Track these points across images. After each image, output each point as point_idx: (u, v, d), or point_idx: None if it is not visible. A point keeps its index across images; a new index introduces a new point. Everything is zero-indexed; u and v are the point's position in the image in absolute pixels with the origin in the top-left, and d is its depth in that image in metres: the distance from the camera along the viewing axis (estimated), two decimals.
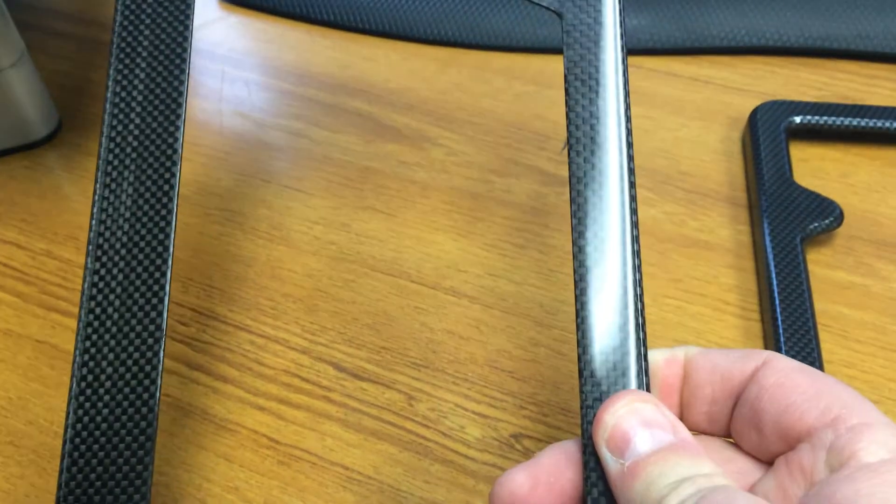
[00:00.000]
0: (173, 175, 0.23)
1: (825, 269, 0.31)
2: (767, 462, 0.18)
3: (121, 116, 0.23)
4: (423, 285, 0.32)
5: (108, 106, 0.23)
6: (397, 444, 0.27)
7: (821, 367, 0.27)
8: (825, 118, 0.35)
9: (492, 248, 0.33)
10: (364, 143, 0.38)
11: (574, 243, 0.21)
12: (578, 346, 0.20)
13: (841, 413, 0.17)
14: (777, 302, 0.29)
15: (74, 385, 0.22)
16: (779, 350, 0.28)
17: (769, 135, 0.35)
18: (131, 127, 0.23)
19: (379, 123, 0.39)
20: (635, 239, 0.21)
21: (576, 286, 0.21)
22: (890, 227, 0.32)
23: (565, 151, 0.36)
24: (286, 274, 0.33)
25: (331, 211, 0.35)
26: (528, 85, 0.40)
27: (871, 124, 0.35)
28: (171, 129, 0.23)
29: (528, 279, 0.32)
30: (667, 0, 0.42)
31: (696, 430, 0.19)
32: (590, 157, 0.21)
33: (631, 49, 0.41)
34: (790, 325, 0.29)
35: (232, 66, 0.43)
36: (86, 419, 0.21)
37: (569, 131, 0.22)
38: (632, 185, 0.21)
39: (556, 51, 0.41)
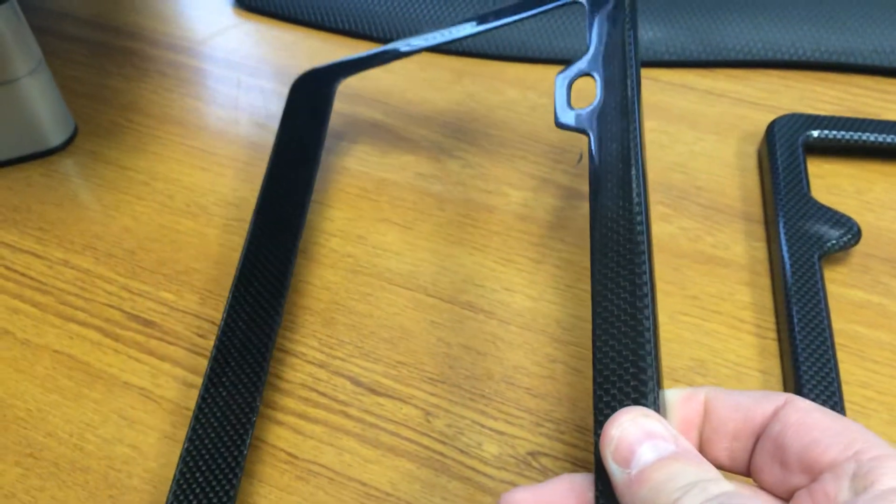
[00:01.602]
0: None
1: (841, 287, 0.31)
2: (786, 498, 0.19)
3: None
4: (440, 299, 0.32)
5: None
6: (415, 460, 0.27)
7: (839, 387, 0.27)
8: (843, 133, 0.35)
9: (508, 262, 0.33)
10: (380, 153, 0.38)
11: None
12: (593, 368, 0.21)
13: (862, 447, 0.18)
14: (795, 321, 0.29)
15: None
16: (796, 369, 0.28)
17: (786, 149, 0.35)
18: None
19: (395, 134, 0.39)
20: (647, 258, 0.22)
21: (592, 311, 0.21)
22: None
23: (581, 164, 0.36)
24: (303, 286, 0.33)
25: (347, 223, 0.35)
26: (543, 97, 0.40)
27: (889, 140, 0.35)
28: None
29: (545, 295, 0.32)
30: (683, 13, 0.42)
31: (716, 465, 0.19)
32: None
33: (646, 62, 0.41)
34: (808, 345, 0.29)
35: (247, 74, 0.43)
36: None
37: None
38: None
39: (564, 61, 0.41)
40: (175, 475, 0.26)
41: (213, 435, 0.27)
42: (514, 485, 0.27)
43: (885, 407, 0.28)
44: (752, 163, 0.37)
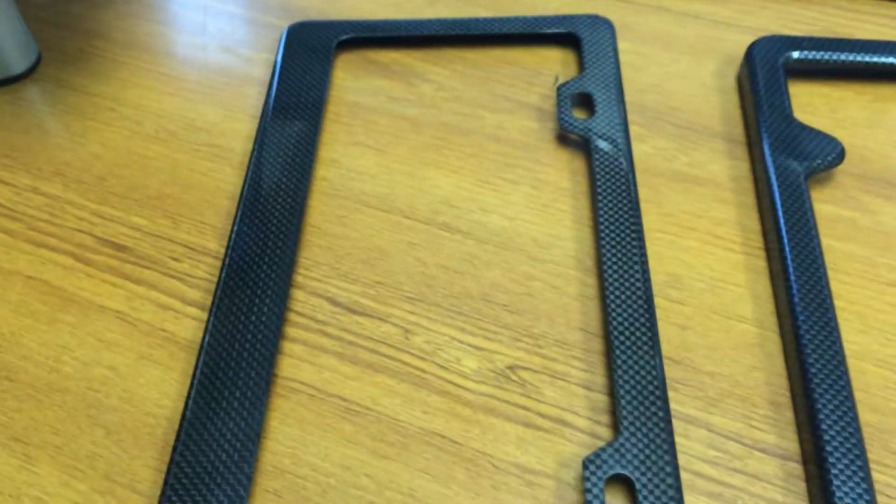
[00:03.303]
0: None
1: (815, 203, 0.32)
2: None
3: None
4: (417, 221, 0.32)
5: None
6: (394, 376, 0.28)
7: (830, 301, 0.27)
8: (823, 54, 0.35)
9: (484, 183, 0.33)
10: (353, 78, 0.37)
11: None
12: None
13: None
14: (786, 238, 0.29)
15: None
16: (789, 288, 0.28)
17: (767, 70, 0.35)
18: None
19: (367, 59, 0.38)
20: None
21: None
22: (878, 163, 0.33)
23: (556, 85, 0.36)
24: None
25: (320, 146, 0.34)
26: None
27: (864, 59, 0.35)
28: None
29: (521, 214, 0.32)
30: None
31: None
32: None
33: None
34: (800, 263, 0.29)
35: (215, 2, 0.42)
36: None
37: None
38: None
39: None
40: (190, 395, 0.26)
41: (230, 361, 0.27)
42: (493, 398, 0.27)
43: (857, 316, 0.28)
44: (730, 84, 0.36)
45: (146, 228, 0.32)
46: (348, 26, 0.38)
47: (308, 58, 0.37)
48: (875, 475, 0.24)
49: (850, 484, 0.23)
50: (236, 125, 0.35)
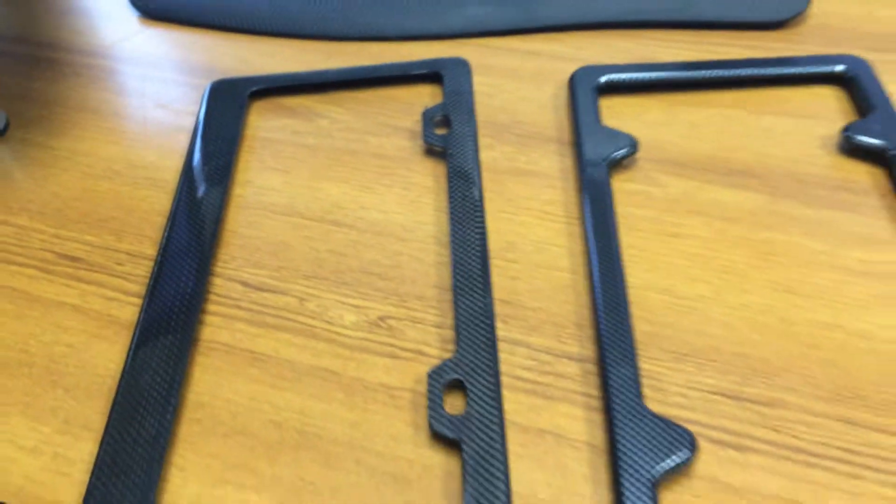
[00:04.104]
0: None
1: (623, 182, 0.40)
2: None
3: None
4: (312, 220, 0.40)
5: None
6: (292, 332, 0.35)
7: (618, 252, 0.36)
8: (622, 76, 0.45)
9: (366, 189, 0.42)
10: (264, 119, 0.46)
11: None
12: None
13: None
14: (588, 208, 0.38)
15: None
16: (586, 240, 0.37)
17: (584, 91, 0.45)
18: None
19: (275, 104, 0.47)
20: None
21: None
22: (670, 151, 0.42)
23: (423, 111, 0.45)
24: None
25: (236, 172, 0.43)
26: None
27: (661, 76, 0.44)
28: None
29: (393, 209, 0.40)
30: None
31: None
32: None
33: (480, 32, 0.50)
34: (597, 225, 0.37)
35: (152, 69, 0.51)
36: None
37: None
38: None
39: (420, 38, 0.50)
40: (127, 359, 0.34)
41: (160, 331, 0.35)
42: (367, 339, 0.35)
43: (645, 260, 0.37)
44: (562, 102, 0.46)
45: (96, 243, 0.40)
46: (259, 80, 0.47)
47: (226, 106, 0.46)
48: (647, 365, 0.32)
49: (621, 371, 0.31)
50: (169, 163, 0.44)
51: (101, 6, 0.57)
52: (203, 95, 0.47)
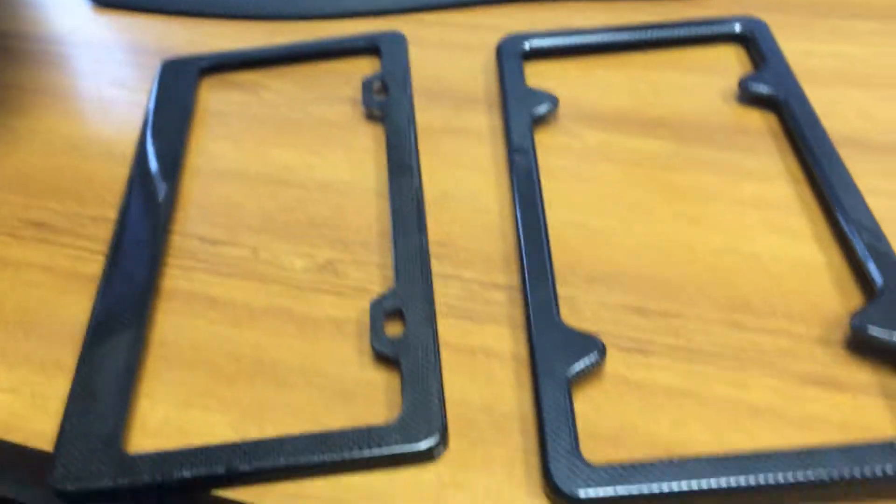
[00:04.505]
0: None
1: (545, 137, 0.44)
2: None
3: None
4: (262, 182, 0.44)
5: None
6: (247, 278, 0.39)
7: (540, 196, 0.40)
8: (545, 41, 0.49)
9: (311, 153, 0.45)
10: (213, 94, 0.49)
11: None
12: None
13: None
14: (514, 160, 0.42)
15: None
16: (512, 187, 0.41)
17: (510, 57, 0.49)
18: None
19: (224, 80, 0.50)
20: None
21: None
22: (588, 107, 0.46)
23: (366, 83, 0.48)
24: None
25: (189, 142, 0.46)
26: None
27: (576, 41, 0.49)
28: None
29: (338, 168, 0.44)
30: None
31: None
32: None
33: (414, 7, 0.54)
34: (521, 174, 0.41)
35: (106, 53, 0.54)
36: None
37: None
38: None
39: (358, 15, 0.54)
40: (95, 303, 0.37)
41: (122, 283, 0.38)
42: (315, 281, 0.38)
43: (563, 200, 0.41)
44: (491, 69, 0.49)
45: (60, 210, 0.43)
46: (208, 57, 0.51)
47: (178, 83, 0.49)
48: (563, 289, 0.36)
49: (540, 294, 0.35)
50: (125, 137, 0.47)
51: None
52: (155, 74, 0.50)
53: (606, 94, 0.47)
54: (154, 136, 0.46)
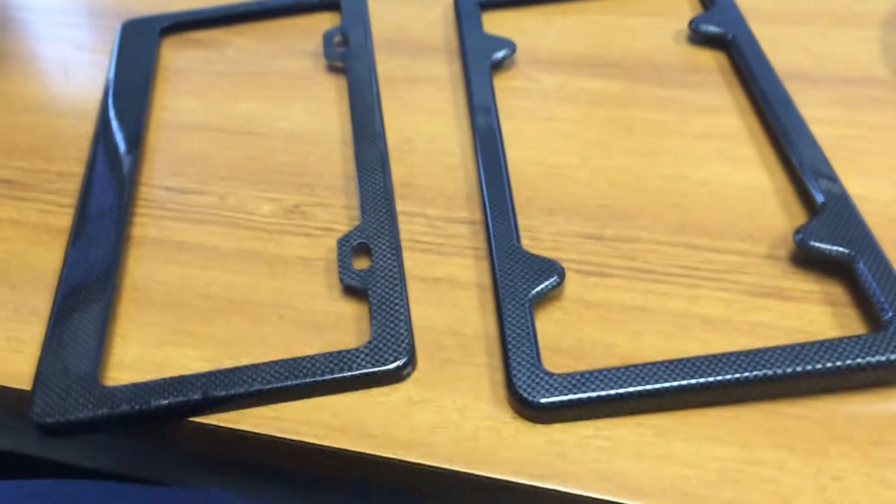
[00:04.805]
0: None
1: (504, 81, 0.45)
2: None
3: None
4: (227, 133, 0.44)
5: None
6: (215, 224, 0.40)
7: (500, 136, 0.41)
8: None
9: (276, 104, 0.46)
10: (175, 52, 0.50)
11: None
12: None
13: None
14: (473, 103, 0.43)
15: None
16: (473, 129, 0.42)
17: (467, 6, 0.50)
18: None
19: (185, 39, 0.51)
20: None
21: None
22: (545, 52, 0.47)
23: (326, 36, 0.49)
24: None
25: (153, 98, 0.47)
26: None
27: None
28: None
29: (302, 118, 0.45)
30: None
31: None
32: None
33: None
34: (480, 116, 0.42)
35: (67, 17, 0.54)
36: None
37: None
38: None
39: None
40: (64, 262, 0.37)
41: (93, 231, 0.38)
42: (283, 224, 0.39)
43: (522, 139, 0.42)
44: (450, 20, 0.50)
45: (27, 167, 0.43)
46: (168, 17, 0.51)
47: (139, 42, 0.49)
48: (524, 221, 0.38)
49: (501, 225, 0.37)
50: (89, 95, 0.47)
51: None
52: (116, 35, 0.51)
53: (562, 39, 0.48)
54: (117, 93, 0.46)
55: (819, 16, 0.47)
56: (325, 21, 0.51)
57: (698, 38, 0.46)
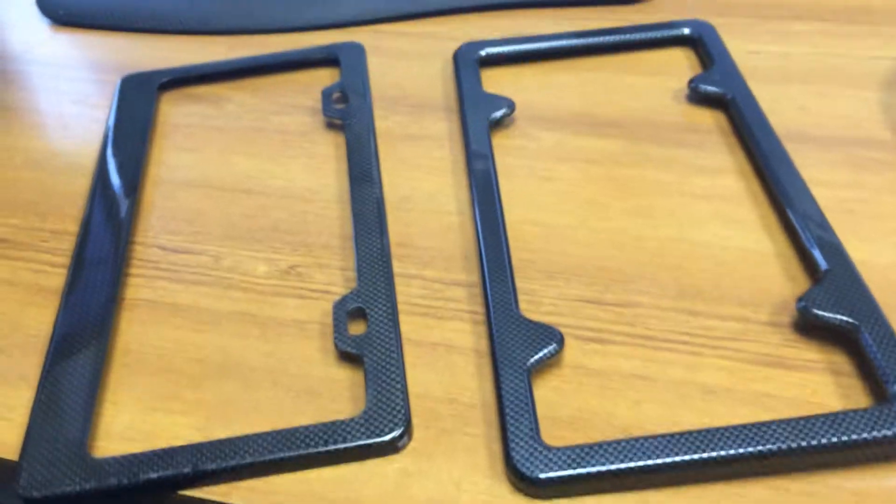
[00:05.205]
0: None
1: (502, 139, 0.45)
2: None
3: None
4: (224, 190, 0.44)
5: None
6: (210, 285, 0.39)
7: (498, 195, 0.41)
8: (500, 48, 0.50)
9: (273, 161, 0.46)
10: (174, 107, 0.50)
11: None
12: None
13: None
14: (471, 160, 0.43)
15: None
16: (471, 188, 0.41)
17: (467, 63, 0.50)
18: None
19: (184, 93, 0.51)
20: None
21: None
22: (544, 110, 0.47)
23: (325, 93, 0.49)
24: None
25: (150, 153, 0.47)
26: None
27: (530, 48, 0.50)
28: None
29: (299, 176, 0.45)
30: None
31: None
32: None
33: (372, 19, 0.55)
34: (479, 175, 0.42)
35: (66, 70, 0.54)
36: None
37: None
38: None
39: (316, 28, 0.55)
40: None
41: (85, 293, 0.38)
42: (279, 285, 0.39)
43: (520, 199, 0.42)
44: (449, 75, 0.51)
45: (21, 225, 0.43)
46: (167, 72, 0.51)
47: (138, 97, 0.50)
48: (523, 283, 0.37)
49: (500, 289, 0.36)
50: (86, 151, 0.47)
51: (11, 17, 0.60)
52: (115, 90, 0.51)
53: (561, 97, 0.48)
54: (114, 149, 0.46)
55: (819, 76, 0.47)
56: (324, 77, 0.51)
57: (698, 97, 0.46)
